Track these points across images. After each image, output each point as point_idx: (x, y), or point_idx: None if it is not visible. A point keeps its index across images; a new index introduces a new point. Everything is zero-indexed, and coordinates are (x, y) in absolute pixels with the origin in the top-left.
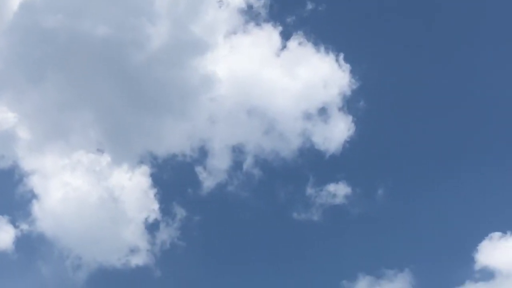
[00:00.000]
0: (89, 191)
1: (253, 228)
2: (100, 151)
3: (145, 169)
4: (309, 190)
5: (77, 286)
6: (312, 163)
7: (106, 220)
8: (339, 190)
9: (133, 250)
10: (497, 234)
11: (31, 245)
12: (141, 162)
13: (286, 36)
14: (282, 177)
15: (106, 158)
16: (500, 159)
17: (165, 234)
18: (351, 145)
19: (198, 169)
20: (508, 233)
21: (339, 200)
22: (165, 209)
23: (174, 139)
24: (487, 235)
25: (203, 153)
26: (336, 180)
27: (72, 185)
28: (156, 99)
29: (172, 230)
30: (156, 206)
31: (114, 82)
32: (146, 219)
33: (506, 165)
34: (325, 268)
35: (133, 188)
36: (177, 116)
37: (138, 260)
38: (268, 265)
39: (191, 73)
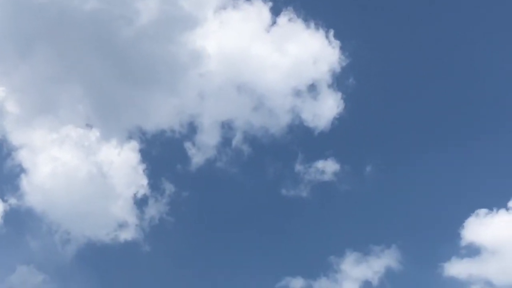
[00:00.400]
0: (77, 166)
1: (242, 204)
2: (89, 126)
3: (134, 144)
4: (298, 167)
5: (65, 260)
6: (301, 140)
7: (94, 195)
8: (328, 167)
9: (122, 225)
10: (483, 210)
11: (19, 220)
12: (130, 137)
13: (276, 12)
14: (271, 153)
15: (95, 133)
16: (487, 137)
17: (153, 210)
18: (340, 122)
19: (187, 145)
20: (494, 210)
21: (327, 177)
22: (154, 185)
23: (163, 115)
24: (473, 211)
25: (192, 129)
26: (324, 157)
27: (60, 159)
28: (145, 74)
29: (161, 205)
30: (145, 181)
31: (103, 57)
32: (135, 194)
33: (493, 143)
34: (313, 244)
35: (122, 163)
36: (166, 91)
37: (126, 235)
38: (256, 241)
39: (180, 49)
